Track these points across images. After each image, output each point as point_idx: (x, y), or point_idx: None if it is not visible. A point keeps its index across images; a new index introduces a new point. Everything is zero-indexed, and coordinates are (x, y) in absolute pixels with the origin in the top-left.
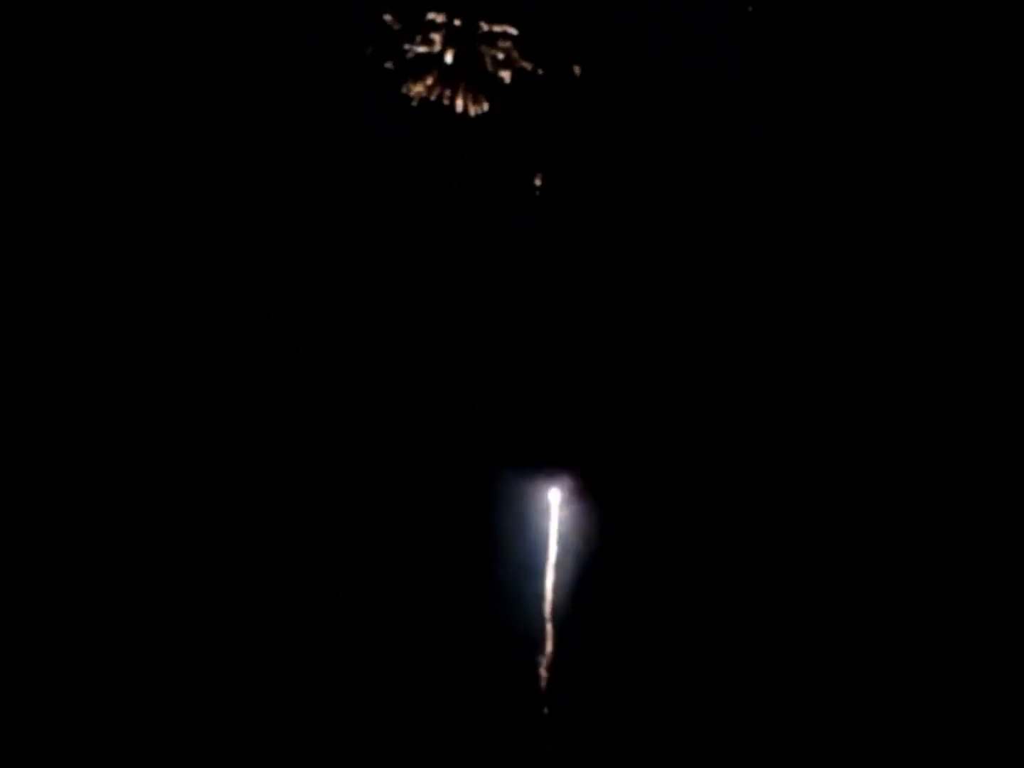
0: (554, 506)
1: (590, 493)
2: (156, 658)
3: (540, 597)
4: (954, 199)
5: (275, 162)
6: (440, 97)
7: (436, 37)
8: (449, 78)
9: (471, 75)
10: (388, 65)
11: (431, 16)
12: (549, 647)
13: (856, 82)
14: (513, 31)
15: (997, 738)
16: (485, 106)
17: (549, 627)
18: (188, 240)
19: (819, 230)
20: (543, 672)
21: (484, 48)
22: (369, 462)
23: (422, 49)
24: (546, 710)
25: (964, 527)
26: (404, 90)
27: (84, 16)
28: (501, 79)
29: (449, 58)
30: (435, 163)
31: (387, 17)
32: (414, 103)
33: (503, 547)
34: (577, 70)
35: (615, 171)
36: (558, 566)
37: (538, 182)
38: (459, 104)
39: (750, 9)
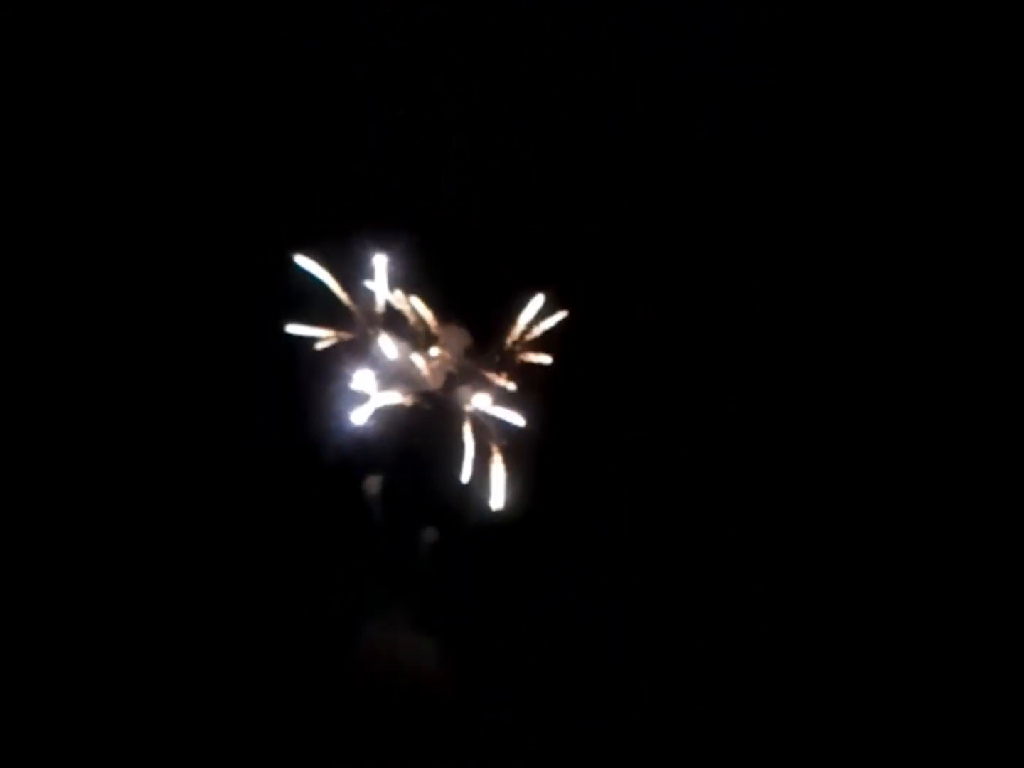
0: None
1: None
2: (154, 657)
3: None
4: (953, 198)
5: (274, 161)
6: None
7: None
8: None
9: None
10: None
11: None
12: None
13: (856, 82)
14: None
15: (996, 738)
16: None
17: None
18: (187, 239)
19: (819, 230)
20: None
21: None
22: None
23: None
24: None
25: (964, 526)
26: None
27: (84, 16)
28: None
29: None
30: (434, 162)
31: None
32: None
33: None
34: (577, 70)
35: (615, 171)
36: None
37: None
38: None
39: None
